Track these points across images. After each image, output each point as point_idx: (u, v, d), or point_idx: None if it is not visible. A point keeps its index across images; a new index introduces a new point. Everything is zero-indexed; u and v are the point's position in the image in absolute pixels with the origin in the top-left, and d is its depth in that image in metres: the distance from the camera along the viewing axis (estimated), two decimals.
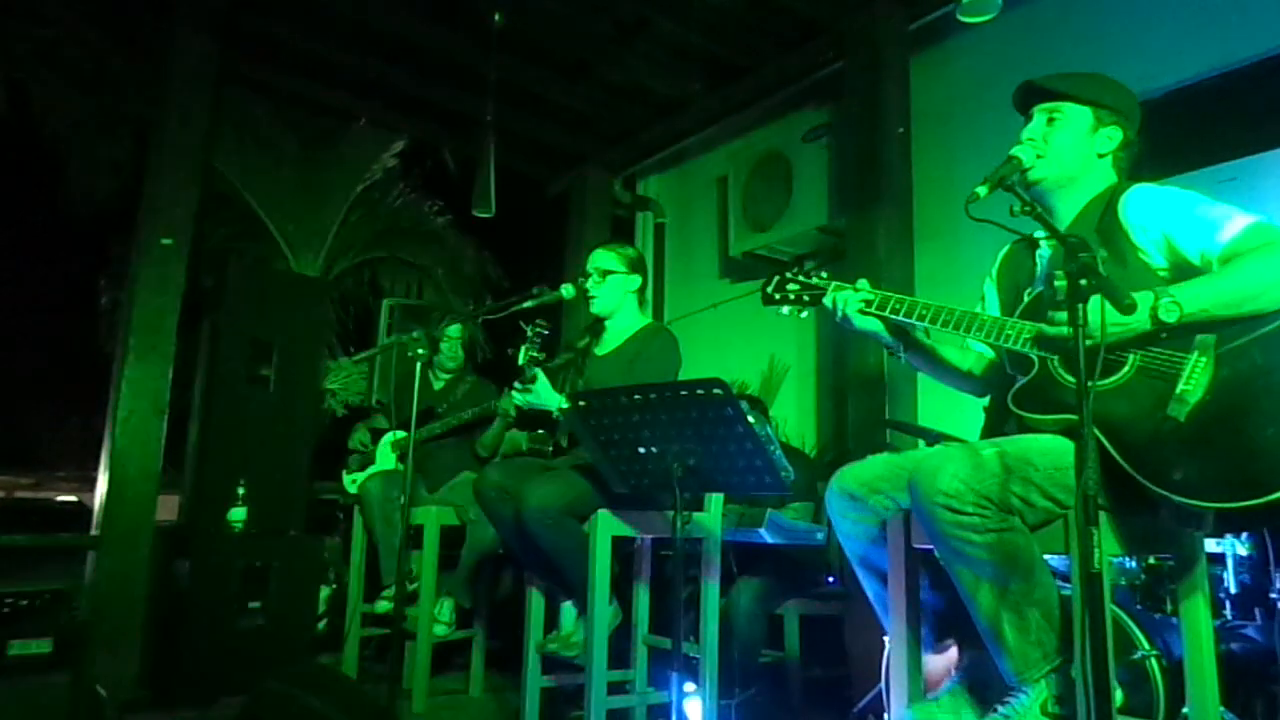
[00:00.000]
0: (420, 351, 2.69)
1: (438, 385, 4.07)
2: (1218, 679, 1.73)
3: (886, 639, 2.11)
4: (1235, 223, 1.68)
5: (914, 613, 1.86)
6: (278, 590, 3.65)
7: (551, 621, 2.90)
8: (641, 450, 2.20)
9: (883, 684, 2.42)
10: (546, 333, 2.87)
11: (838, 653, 3.39)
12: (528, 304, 2.87)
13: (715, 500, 2.80)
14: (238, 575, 3.58)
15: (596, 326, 3.11)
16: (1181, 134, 3.28)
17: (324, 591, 4.47)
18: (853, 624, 3.35)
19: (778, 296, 2.09)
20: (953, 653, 1.99)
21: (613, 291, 3.02)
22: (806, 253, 4.65)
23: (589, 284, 3.00)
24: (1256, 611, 2.40)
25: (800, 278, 2.07)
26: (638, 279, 3.06)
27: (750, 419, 1.96)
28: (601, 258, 3.04)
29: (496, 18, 3.90)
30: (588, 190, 5.69)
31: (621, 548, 2.84)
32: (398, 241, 9.78)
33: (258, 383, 3.88)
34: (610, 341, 3.07)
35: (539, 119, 5.19)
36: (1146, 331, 1.64)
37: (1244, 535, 2.37)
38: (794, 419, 4.68)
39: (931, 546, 1.76)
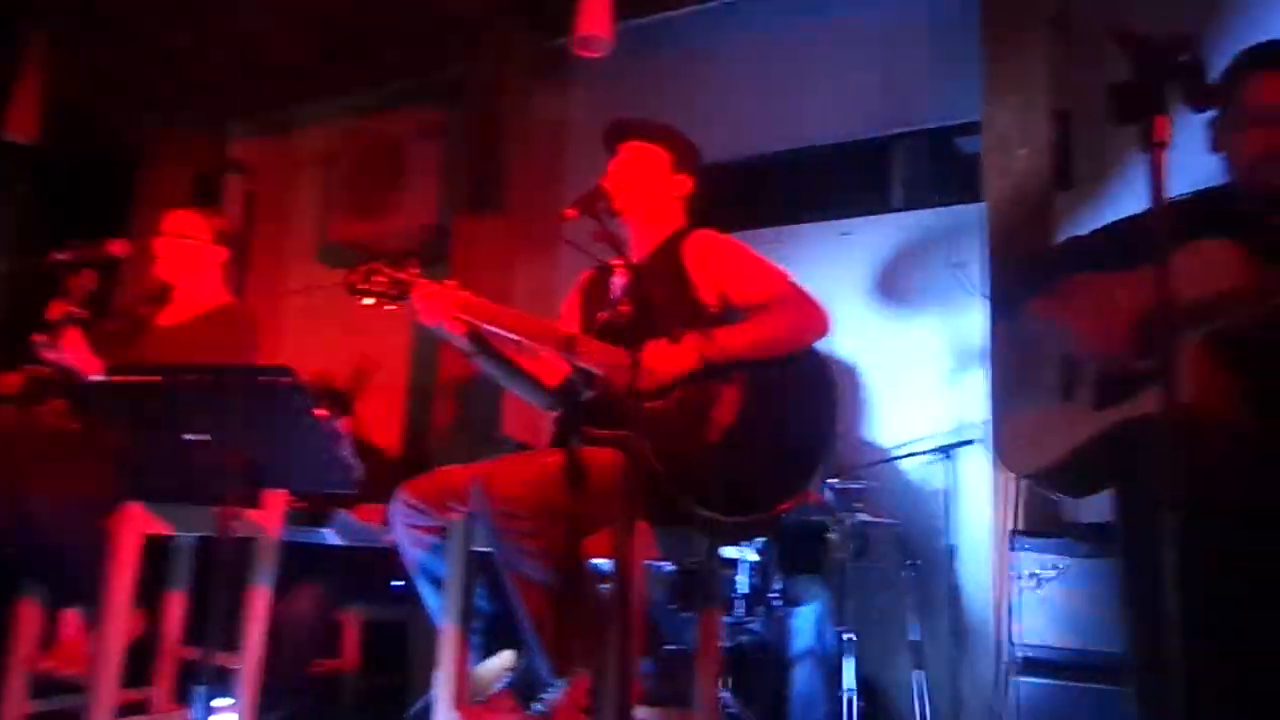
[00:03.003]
0: None
1: None
2: (724, 667, 2.00)
3: None
4: (771, 276, 1.98)
5: (468, 617, 1.90)
6: None
7: (51, 636, 2.46)
8: (190, 437, 1.96)
9: (435, 689, 2.42)
10: (91, 289, 2.47)
11: (401, 659, 3.32)
12: (63, 257, 2.43)
13: (274, 497, 2.59)
14: None
15: (164, 294, 2.77)
16: (748, 196, 3.86)
17: None
18: (417, 630, 3.31)
19: (362, 287, 2.01)
20: (506, 656, 2.06)
21: (190, 258, 2.72)
22: (412, 249, 4.55)
23: (165, 243, 2.69)
24: (759, 610, 2.82)
25: (389, 271, 2.02)
26: (223, 253, 2.79)
27: (319, 412, 1.85)
28: (186, 219, 2.75)
29: None
30: (164, 139, 4.99)
31: (155, 546, 2.50)
32: None
33: None
34: (178, 314, 2.74)
35: (113, 43, 4.42)
36: (694, 364, 1.85)
37: (754, 543, 2.78)
38: (381, 417, 4.54)
39: (490, 549, 1.80)
